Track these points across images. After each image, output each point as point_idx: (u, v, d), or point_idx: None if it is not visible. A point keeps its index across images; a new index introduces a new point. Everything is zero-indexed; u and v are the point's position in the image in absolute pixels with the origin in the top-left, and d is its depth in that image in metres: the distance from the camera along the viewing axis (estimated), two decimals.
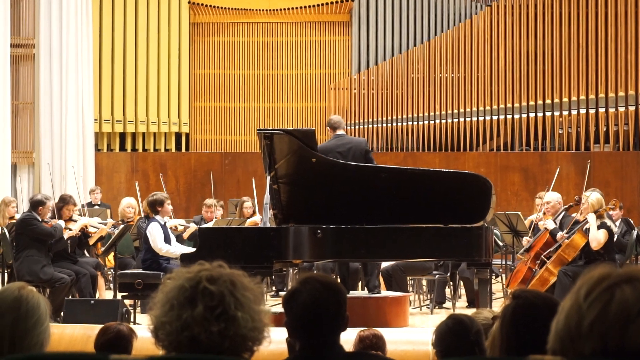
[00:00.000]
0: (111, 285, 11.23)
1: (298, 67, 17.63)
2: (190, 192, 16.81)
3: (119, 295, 9.66)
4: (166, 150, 17.52)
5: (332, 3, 17.49)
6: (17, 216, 11.11)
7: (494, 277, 11.40)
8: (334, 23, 17.65)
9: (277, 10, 17.54)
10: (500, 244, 11.50)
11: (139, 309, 9.72)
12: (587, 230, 9.45)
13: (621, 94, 16.15)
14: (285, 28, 17.65)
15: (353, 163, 8.74)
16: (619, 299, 1.81)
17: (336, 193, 8.44)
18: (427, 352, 5.62)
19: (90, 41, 16.58)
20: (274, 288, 12.08)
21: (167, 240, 9.69)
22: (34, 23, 16.47)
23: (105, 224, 11.05)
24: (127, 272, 9.91)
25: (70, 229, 10.22)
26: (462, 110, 16.83)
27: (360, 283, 10.55)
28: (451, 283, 11.13)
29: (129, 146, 17.43)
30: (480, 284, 10.09)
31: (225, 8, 17.61)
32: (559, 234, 9.62)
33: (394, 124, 17.04)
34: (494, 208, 8.75)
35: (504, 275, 12.15)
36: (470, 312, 4.09)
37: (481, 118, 16.73)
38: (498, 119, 16.67)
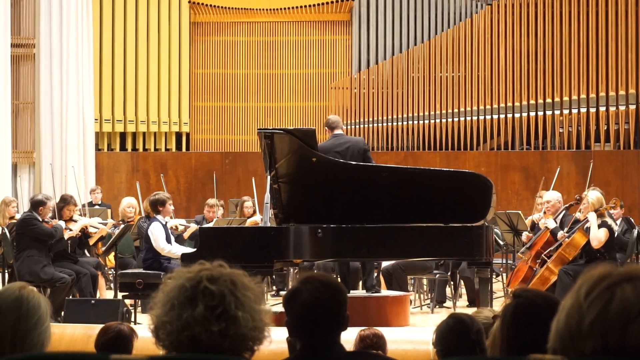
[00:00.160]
0: (112, 285, 11.23)
1: (298, 66, 17.63)
2: (191, 191, 16.81)
3: (120, 295, 9.66)
4: (167, 150, 17.52)
5: (332, 2, 17.49)
6: (18, 216, 11.11)
7: (494, 276, 11.40)
8: (334, 22, 17.64)
9: (277, 9, 17.54)
10: (501, 243, 11.50)
11: (139, 309, 9.73)
12: (588, 229, 9.45)
13: (622, 92, 16.15)
14: (285, 27, 17.65)
15: (353, 162, 8.74)
16: (619, 298, 1.81)
17: (337, 192, 8.44)
18: (428, 351, 5.61)
19: (91, 41, 16.58)
20: (274, 287, 12.08)
21: (167, 240, 9.69)
22: (34, 23, 16.47)
23: (105, 224, 11.05)
24: (128, 272, 9.91)
25: (71, 229, 10.22)
26: (462, 109, 16.83)
27: (360, 282, 10.55)
28: (452, 282, 11.14)
29: (129, 146, 17.43)
30: (481, 283, 10.09)
31: (225, 7, 17.61)
32: (560, 233, 9.62)
33: (395, 123, 17.04)
34: (495, 207, 8.76)
35: (504, 275, 12.15)
36: (470, 311, 4.09)
37: (481, 117, 16.73)
38: (498, 118, 16.67)
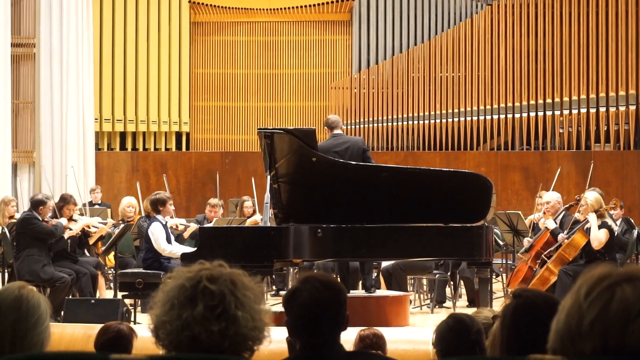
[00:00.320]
0: (111, 285, 11.23)
1: (298, 66, 17.63)
2: (191, 191, 16.82)
3: (120, 295, 9.66)
4: (166, 149, 17.52)
5: (332, 2, 17.49)
6: (17, 215, 11.11)
7: (494, 277, 11.39)
8: (335, 22, 17.65)
9: (277, 9, 17.54)
10: (501, 243, 11.50)
11: (139, 309, 9.72)
12: (588, 229, 9.45)
13: (622, 93, 16.15)
14: (285, 27, 17.65)
15: (353, 162, 8.74)
16: (619, 298, 1.81)
17: (336, 192, 8.44)
18: (428, 351, 5.61)
19: (91, 40, 16.58)
20: (274, 287, 12.08)
21: (167, 239, 9.69)
22: (35, 22, 16.47)
23: (105, 224, 11.05)
24: (128, 272, 9.91)
25: (71, 229, 10.22)
26: (462, 109, 16.83)
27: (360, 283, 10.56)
28: (451, 282, 11.14)
29: (129, 145, 17.43)
30: (481, 283, 10.09)
31: (225, 7, 17.61)
32: (560, 236, 9.61)
33: (395, 123, 17.04)
34: (495, 207, 8.76)
35: (504, 275, 12.15)
36: (470, 311, 4.09)
37: (482, 117, 16.73)
38: (498, 118, 16.67)
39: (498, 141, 16.79)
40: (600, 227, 9.37)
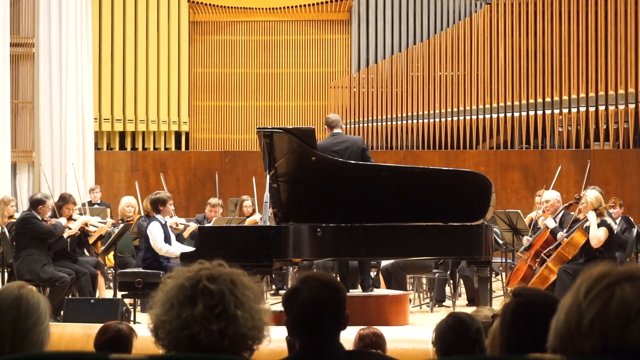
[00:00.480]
0: (111, 284, 11.23)
1: (298, 65, 17.62)
2: (190, 191, 16.81)
3: (119, 294, 9.66)
4: (166, 149, 17.52)
5: (331, 1, 17.49)
6: (17, 215, 11.11)
7: (494, 276, 11.40)
8: (334, 21, 17.64)
9: (276, 8, 17.54)
10: (500, 242, 11.50)
11: (139, 308, 9.72)
12: (587, 228, 9.45)
13: (621, 91, 16.14)
14: (284, 26, 17.64)
15: (353, 161, 8.74)
16: (619, 297, 1.81)
17: (336, 191, 8.44)
18: (427, 350, 5.61)
19: (90, 40, 16.57)
20: (273, 287, 12.08)
21: (167, 239, 9.69)
22: (34, 22, 16.46)
23: (104, 223, 11.05)
24: (127, 271, 9.91)
25: (70, 228, 10.22)
26: (462, 108, 16.83)
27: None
28: (451, 281, 11.14)
29: (128, 145, 17.43)
30: (480, 282, 10.10)
31: (224, 7, 17.61)
32: (559, 235, 9.62)
33: (394, 122, 17.04)
34: (494, 206, 8.76)
35: (504, 274, 12.16)
36: (470, 310, 4.09)
37: (481, 116, 16.73)
38: (498, 117, 16.67)
39: (497, 140, 16.79)
40: (599, 225, 9.37)
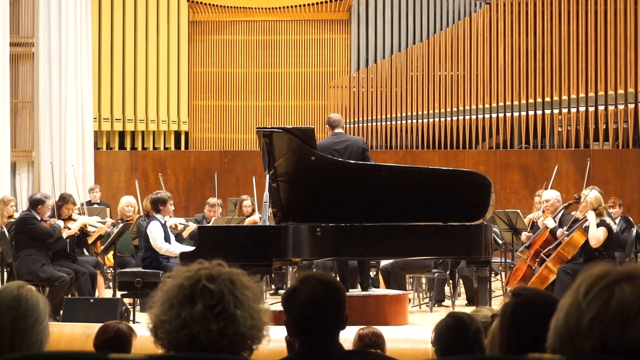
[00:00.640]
0: (110, 284, 11.23)
1: (297, 65, 17.62)
2: (190, 190, 16.81)
3: (119, 294, 9.66)
4: (165, 148, 17.52)
5: (331, 1, 17.49)
6: (17, 215, 11.11)
7: (493, 275, 11.40)
8: (333, 21, 17.64)
9: (276, 8, 17.54)
10: (500, 242, 11.50)
11: (138, 308, 9.72)
12: (587, 228, 9.45)
13: (620, 91, 16.15)
14: (284, 26, 17.64)
15: (352, 161, 8.74)
16: (618, 296, 1.81)
17: (335, 191, 8.43)
18: (427, 350, 5.61)
19: (90, 40, 16.57)
20: (273, 286, 12.08)
21: (166, 239, 9.69)
22: (33, 22, 16.46)
23: (104, 223, 11.04)
24: (127, 271, 9.91)
25: (70, 228, 10.22)
26: (461, 108, 16.84)
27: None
28: (450, 281, 11.14)
29: (128, 145, 17.42)
30: (480, 282, 10.10)
31: (224, 6, 17.61)
32: (559, 232, 9.62)
33: (393, 122, 17.04)
34: (494, 206, 8.75)
35: (503, 273, 12.16)
36: (469, 310, 4.09)
37: (480, 116, 16.73)
38: (497, 116, 16.68)
39: (497, 140, 16.79)
40: (598, 225, 9.36)
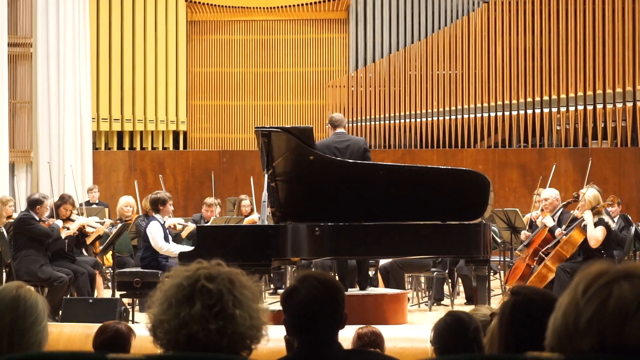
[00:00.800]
0: (109, 284, 11.23)
1: (295, 64, 17.62)
2: (189, 190, 16.81)
3: (117, 294, 9.66)
4: (164, 148, 17.51)
5: (329, 0, 17.49)
6: (15, 215, 11.10)
7: (492, 274, 11.40)
8: (332, 20, 17.64)
9: (274, 8, 17.53)
10: (499, 240, 11.50)
11: (137, 308, 9.72)
12: (586, 226, 9.45)
13: (619, 90, 16.15)
14: (282, 26, 17.64)
15: (351, 160, 8.74)
16: (616, 295, 1.81)
17: (334, 191, 8.43)
18: (426, 349, 5.61)
19: (88, 40, 16.57)
20: (272, 286, 12.08)
21: (166, 239, 9.69)
22: (31, 22, 16.46)
23: (102, 223, 11.04)
24: (126, 271, 9.91)
25: (68, 228, 10.22)
26: (459, 107, 16.83)
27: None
28: (449, 280, 11.14)
29: (126, 145, 17.42)
30: (479, 281, 10.09)
31: (222, 6, 17.60)
32: (557, 231, 9.61)
33: (392, 121, 17.04)
34: (492, 205, 8.75)
35: (502, 272, 12.16)
36: (468, 309, 4.09)
37: (479, 115, 16.73)
38: (496, 115, 16.68)
39: (495, 139, 16.79)
40: (597, 224, 9.35)
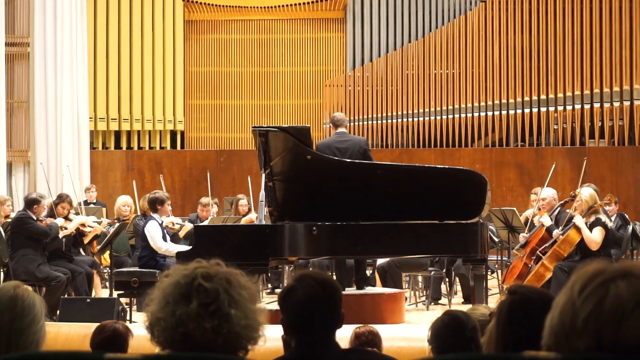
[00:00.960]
0: (107, 284, 11.22)
1: (293, 64, 17.62)
2: (186, 190, 16.81)
3: (115, 294, 9.65)
4: (161, 148, 17.51)
5: (326, 0, 17.48)
6: (13, 215, 11.10)
7: (489, 273, 11.41)
8: (329, 20, 17.64)
9: (271, 7, 17.53)
10: (496, 239, 11.51)
11: (135, 307, 9.72)
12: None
13: (616, 89, 16.16)
14: (279, 25, 17.64)
15: (348, 160, 8.74)
16: (613, 294, 1.81)
17: (331, 190, 8.43)
18: (423, 348, 5.62)
19: (85, 39, 16.56)
20: (269, 285, 12.08)
21: (164, 238, 9.70)
22: (29, 21, 16.45)
23: (100, 223, 11.04)
24: (123, 270, 9.91)
25: (66, 228, 10.22)
26: (457, 106, 16.84)
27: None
28: (447, 279, 11.14)
29: (124, 144, 17.41)
30: (476, 280, 10.10)
31: (219, 5, 17.60)
32: (555, 231, 9.62)
33: (389, 121, 17.04)
34: (490, 204, 8.75)
35: (499, 271, 12.16)
36: (466, 308, 4.09)
37: (476, 114, 16.73)
38: (493, 114, 16.68)
39: (493, 138, 16.80)
40: (594, 224, 9.34)
